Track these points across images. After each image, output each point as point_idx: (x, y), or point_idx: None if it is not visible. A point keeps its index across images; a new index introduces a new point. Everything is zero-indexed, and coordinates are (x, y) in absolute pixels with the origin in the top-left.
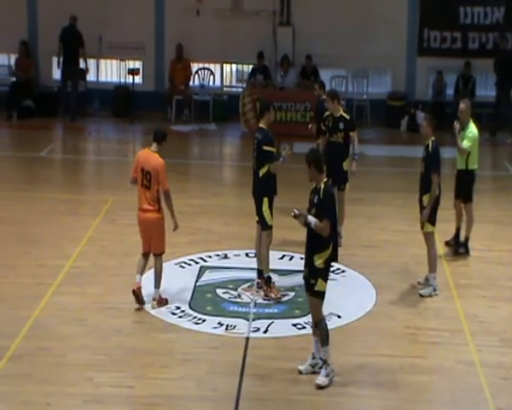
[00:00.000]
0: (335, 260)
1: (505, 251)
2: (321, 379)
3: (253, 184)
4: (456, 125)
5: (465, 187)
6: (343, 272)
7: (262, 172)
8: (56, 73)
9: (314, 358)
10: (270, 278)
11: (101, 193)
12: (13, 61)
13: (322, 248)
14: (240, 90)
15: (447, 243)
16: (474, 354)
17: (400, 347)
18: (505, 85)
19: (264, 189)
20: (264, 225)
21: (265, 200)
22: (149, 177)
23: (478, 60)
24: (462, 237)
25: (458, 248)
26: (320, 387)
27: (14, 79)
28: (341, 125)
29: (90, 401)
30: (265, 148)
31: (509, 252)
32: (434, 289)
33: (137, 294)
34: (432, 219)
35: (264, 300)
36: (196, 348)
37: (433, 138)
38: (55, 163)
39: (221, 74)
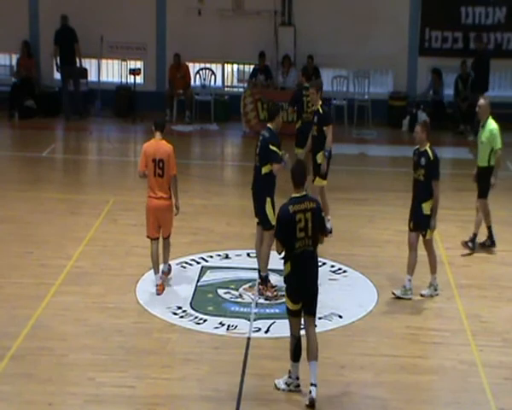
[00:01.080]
0: (296, 290)
1: (508, 251)
2: (279, 381)
3: (254, 181)
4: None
5: (484, 183)
6: (344, 272)
7: (265, 170)
8: (58, 73)
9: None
10: (267, 277)
11: (103, 193)
12: (14, 61)
13: (284, 263)
14: (241, 90)
15: (483, 245)
16: (476, 355)
17: (401, 347)
18: (481, 86)
19: (266, 188)
20: (266, 225)
21: (268, 200)
22: (162, 164)
23: None
24: (471, 234)
25: (466, 243)
26: (275, 386)
27: (15, 79)
28: (315, 119)
29: (91, 401)
30: (271, 147)
31: (511, 252)
32: (435, 289)
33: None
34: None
35: (266, 300)
36: (198, 348)
37: (429, 144)
38: (56, 163)
39: (222, 74)
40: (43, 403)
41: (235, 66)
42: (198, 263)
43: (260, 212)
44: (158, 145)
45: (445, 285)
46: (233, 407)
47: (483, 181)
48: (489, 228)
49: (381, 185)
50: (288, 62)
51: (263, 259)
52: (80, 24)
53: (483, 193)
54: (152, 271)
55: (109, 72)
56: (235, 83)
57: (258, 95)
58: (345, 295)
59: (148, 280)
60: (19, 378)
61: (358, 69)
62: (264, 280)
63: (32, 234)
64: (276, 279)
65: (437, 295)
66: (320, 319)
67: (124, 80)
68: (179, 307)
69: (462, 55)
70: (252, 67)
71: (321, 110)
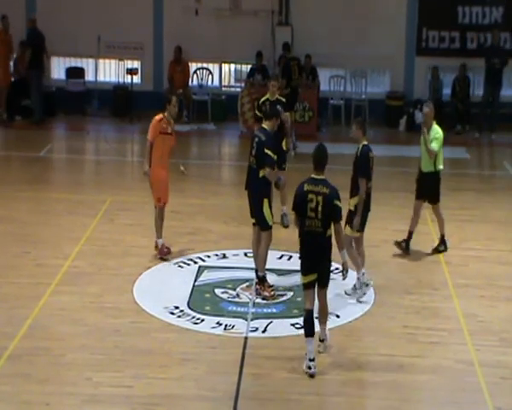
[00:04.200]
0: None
1: (504, 251)
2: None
3: (250, 182)
4: (424, 129)
5: (433, 188)
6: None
7: (262, 172)
8: (55, 73)
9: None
10: (264, 277)
11: (100, 193)
12: (11, 61)
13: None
14: (238, 89)
15: (398, 244)
16: (473, 354)
17: (399, 346)
18: (493, 82)
19: (263, 190)
20: (264, 225)
21: (265, 201)
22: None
23: (476, 60)
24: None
25: (438, 246)
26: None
27: (12, 78)
28: (279, 108)
29: (88, 401)
30: (267, 151)
31: (508, 252)
32: (363, 292)
33: (168, 253)
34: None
35: (263, 299)
36: (195, 347)
37: (364, 142)
38: (53, 163)
39: (219, 74)
40: (40, 403)
41: (233, 65)
42: (195, 263)
43: (258, 213)
44: None
45: (442, 285)
46: (230, 406)
47: (432, 186)
48: (410, 233)
49: (377, 185)
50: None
51: (261, 259)
52: (77, 24)
53: (437, 198)
54: (149, 270)
55: (106, 71)
56: (233, 83)
57: (255, 94)
58: (342, 295)
59: (146, 280)
60: (16, 378)
61: (355, 69)
62: (262, 280)
63: (30, 234)
64: (274, 279)
65: (364, 294)
66: (317, 318)
67: (121, 80)
68: (176, 307)
69: (460, 54)
70: (249, 66)
71: (283, 99)
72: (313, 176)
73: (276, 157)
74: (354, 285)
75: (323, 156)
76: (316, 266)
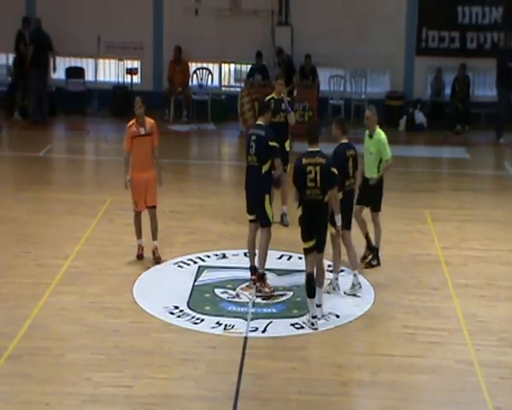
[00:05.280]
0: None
1: (504, 251)
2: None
3: (251, 181)
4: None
5: (376, 195)
6: (341, 271)
7: (265, 168)
8: (54, 73)
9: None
10: (264, 274)
11: (100, 193)
12: (11, 61)
13: (297, 207)
14: (238, 89)
15: (365, 259)
16: (473, 354)
17: (399, 346)
18: (506, 84)
19: (265, 186)
20: (265, 221)
21: (267, 197)
22: None
23: (476, 59)
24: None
25: (371, 260)
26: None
27: (12, 79)
28: (283, 106)
29: (88, 401)
30: (271, 143)
31: (508, 252)
32: (360, 288)
33: (142, 255)
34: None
35: (263, 299)
36: (195, 347)
37: (343, 141)
38: (53, 163)
39: (219, 74)
40: (40, 403)
41: (233, 65)
42: (195, 263)
43: (259, 210)
44: None
45: (442, 285)
46: (230, 406)
47: (375, 192)
48: (366, 235)
49: None
50: (284, 62)
51: (261, 256)
52: (77, 24)
53: (378, 206)
54: (148, 270)
55: (106, 71)
56: (233, 82)
57: (255, 94)
58: (341, 295)
59: (145, 280)
60: (16, 378)
61: (355, 69)
62: (261, 277)
63: (30, 234)
64: (274, 279)
65: (359, 296)
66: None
67: (121, 80)
68: (176, 307)
69: (459, 54)
70: (249, 66)
71: (288, 98)
72: (309, 149)
73: (279, 145)
74: (352, 283)
75: (317, 129)
76: (315, 232)
